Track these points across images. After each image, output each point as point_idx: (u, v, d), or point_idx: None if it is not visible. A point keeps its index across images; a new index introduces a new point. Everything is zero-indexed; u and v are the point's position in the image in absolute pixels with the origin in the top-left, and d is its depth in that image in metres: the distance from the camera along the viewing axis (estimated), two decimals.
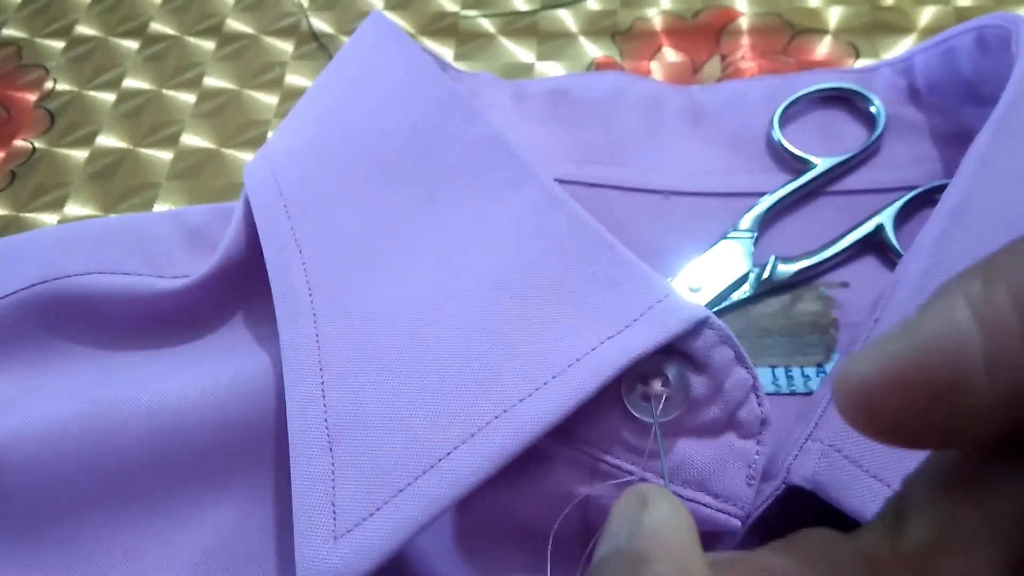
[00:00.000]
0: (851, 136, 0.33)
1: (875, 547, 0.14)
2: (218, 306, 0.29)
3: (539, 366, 0.21)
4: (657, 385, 0.22)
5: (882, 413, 0.12)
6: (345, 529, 0.20)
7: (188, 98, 0.43)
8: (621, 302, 0.22)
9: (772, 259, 0.30)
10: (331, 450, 0.21)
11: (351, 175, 0.27)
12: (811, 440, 0.22)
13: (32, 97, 0.44)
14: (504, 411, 0.21)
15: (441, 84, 0.27)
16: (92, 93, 0.44)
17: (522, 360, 0.21)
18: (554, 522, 0.21)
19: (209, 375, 0.26)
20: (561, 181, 0.28)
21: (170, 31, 0.46)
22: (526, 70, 0.42)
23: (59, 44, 0.46)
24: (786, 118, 0.34)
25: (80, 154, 0.41)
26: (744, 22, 0.43)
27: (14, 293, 0.27)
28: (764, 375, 0.29)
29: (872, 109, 0.33)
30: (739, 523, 0.22)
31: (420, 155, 0.26)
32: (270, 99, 0.42)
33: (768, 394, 0.26)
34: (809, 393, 0.28)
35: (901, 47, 0.40)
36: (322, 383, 0.22)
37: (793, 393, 0.28)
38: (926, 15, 0.41)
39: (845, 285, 0.30)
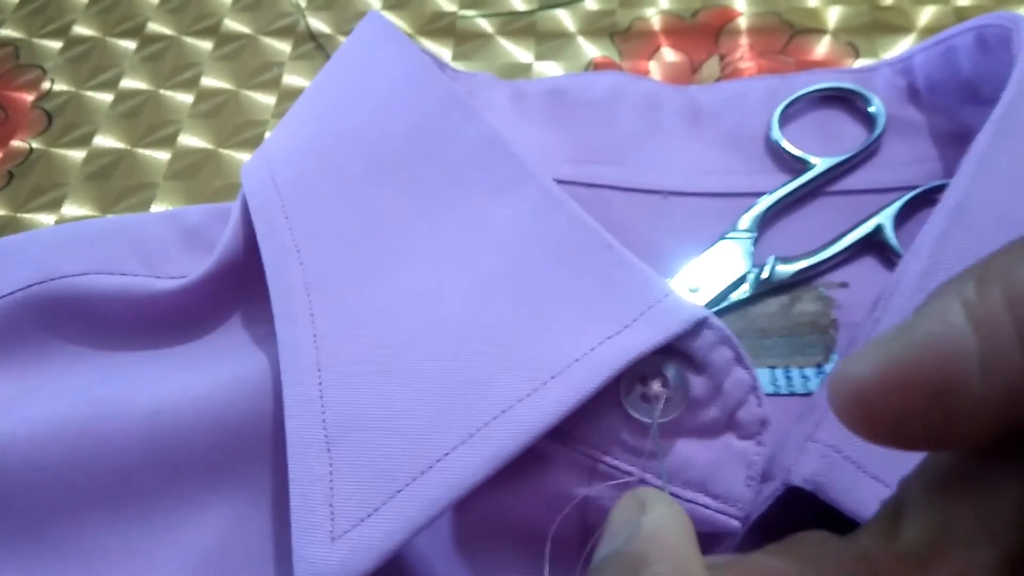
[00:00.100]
0: (850, 136, 0.33)
1: (872, 548, 0.14)
2: (216, 306, 0.29)
3: (538, 366, 0.21)
4: (656, 385, 0.22)
5: (878, 415, 0.12)
6: (343, 530, 0.20)
7: (186, 98, 0.43)
8: (620, 302, 0.22)
9: (771, 259, 0.30)
10: (329, 450, 0.21)
11: (349, 175, 0.27)
12: (811, 441, 0.22)
13: (29, 97, 0.44)
14: (503, 412, 0.21)
15: (439, 84, 0.27)
16: (89, 93, 0.44)
17: (520, 360, 0.21)
18: (553, 523, 0.21)
19: (207, 375, 0.26)
20: (560, 181, 0.28)
21: (167, 31, 0.46)
22: (524, 70, 0.42)
23: (56, 44, 0.46)
24: (785, 118, 0.34)
25: (77, 154, 0.41)
26: (743, 22, 0.42)
27: (11, 294, 0.27)
28: (763, 376, 0.28)
29: (871, 109, 0.33)
30: (738, 524, 0.22)
31: (418, 155, 0.26)
32: (268, 99, 0.42)
33: (767, 395, 0.26)
34: (808, 394, 0.28)
35: (901, 47, 0.40)
36: (320, 383, 0.22)
37: (792, 394, 0.28)
38: (926, 15, 0.41)
39: (844, 285, 0.30)
